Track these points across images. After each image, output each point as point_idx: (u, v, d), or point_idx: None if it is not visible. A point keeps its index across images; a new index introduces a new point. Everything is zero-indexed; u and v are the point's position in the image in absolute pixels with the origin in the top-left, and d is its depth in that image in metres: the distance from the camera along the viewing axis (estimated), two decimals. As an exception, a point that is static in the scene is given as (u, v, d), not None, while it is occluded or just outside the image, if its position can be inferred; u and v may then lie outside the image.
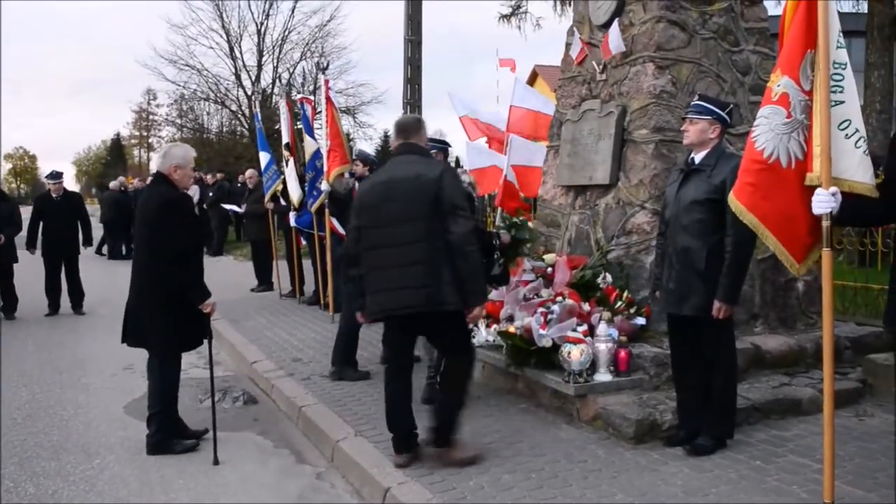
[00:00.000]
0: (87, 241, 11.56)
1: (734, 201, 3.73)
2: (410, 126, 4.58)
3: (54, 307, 10.73)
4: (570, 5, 16.18)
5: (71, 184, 64.08)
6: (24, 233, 10.70)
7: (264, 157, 11.63)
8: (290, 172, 10.47)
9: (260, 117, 13.45)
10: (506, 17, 18.52)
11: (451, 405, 4.50)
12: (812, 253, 3.67)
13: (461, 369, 4.53)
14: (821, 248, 3.55)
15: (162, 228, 4.84)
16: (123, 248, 18.34)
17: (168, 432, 5.09)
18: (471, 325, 4.82)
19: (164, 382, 5.09)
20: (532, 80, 40.44)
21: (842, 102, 3.46)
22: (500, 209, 8.36)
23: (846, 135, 3.46)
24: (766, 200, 3.63)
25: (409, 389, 4.57)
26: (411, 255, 4.15)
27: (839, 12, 3.67)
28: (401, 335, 4.53)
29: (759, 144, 3.60)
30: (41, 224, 10.75)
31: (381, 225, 4.26)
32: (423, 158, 4.44)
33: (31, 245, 10.80)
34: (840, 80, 3.46)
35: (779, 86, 3.56)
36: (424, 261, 4.13)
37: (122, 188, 20.43)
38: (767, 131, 3.59)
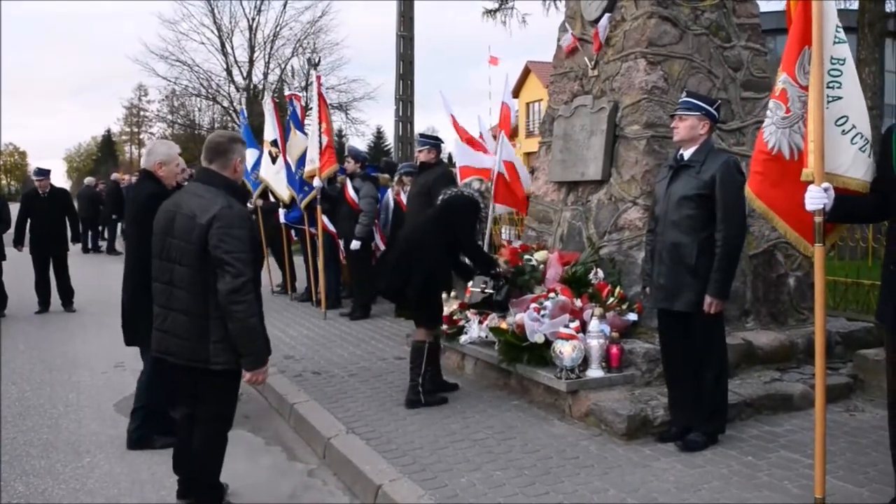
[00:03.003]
0: (76, 238, 11.49)
1: (747, 189, 3.85)
2: (216, 148, 3.93)
3: (44, 304, 10.67)
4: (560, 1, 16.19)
5: (62, 180, 63.89)
6: (12, 230, 10.64)
7: (252, 154, 11.57)
8: (280, 169, 10.45)
9: (247, 114, 13.35)
10: (491, 13, 18.46)
11: (202, 473, 3.97)
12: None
13: (210, 441, 3.94)
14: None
15: (147, 224, 4.80)
16: (90, 242, 19.61)
17: (150, 428, 5.08)
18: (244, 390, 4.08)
19: (148, 377, 5.08)
20: (525, 77, 40.57)
21: (839, 98, 3.48)
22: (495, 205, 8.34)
23: (843, 131, 3.48)
24: (775, 188, 3.73)
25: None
26: (180, 301, 3.78)
27: (832, 8, 3.68)
28: (180, 379, 4.07)
29: (765, 136, 3.72)
30: (29, 221, 10.70)
31: (162, 258, 3.87)
32: (210, 192, 3.79)
33: (18, 242, 10.73)
34: (838, 76, 3.48)
35: (780, 81, 3.66)
36: (189, 311, 3.75)
37: (96, 185, 21.44)
38: (771, 125, 3.70)
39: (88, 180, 21.81)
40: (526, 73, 40.66)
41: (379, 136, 53.42)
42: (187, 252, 3.73)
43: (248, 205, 11.81)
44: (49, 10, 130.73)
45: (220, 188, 3.84)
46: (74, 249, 12.01)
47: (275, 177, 10.55)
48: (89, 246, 19.65)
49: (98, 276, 13.79)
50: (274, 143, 10.66)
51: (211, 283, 3.66)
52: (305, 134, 9.73)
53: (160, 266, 3.91)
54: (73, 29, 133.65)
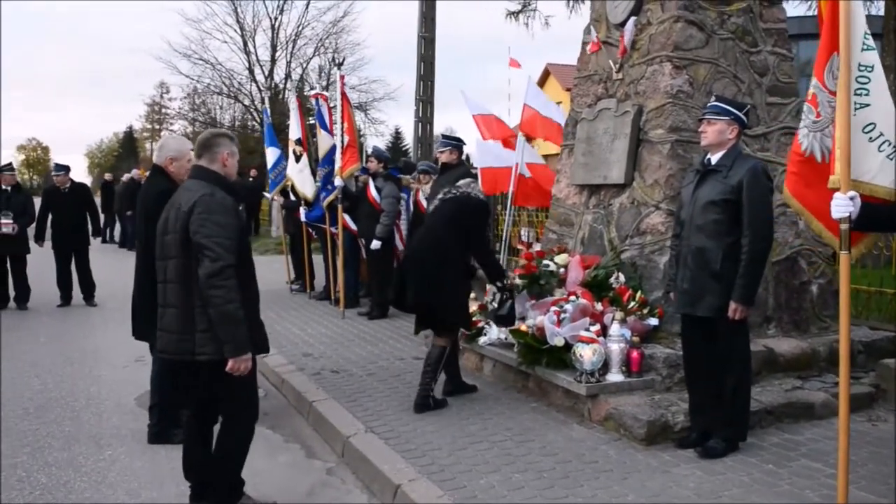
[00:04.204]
0: (97, 232, 11.59)
1: (784, 188, 3.89)
2: (203, 144, 3.94)
3: (66, 298, 10.78)
4: (584, 2, 16.11)
5: (83, 176, 64.46)
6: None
7: (274, 153, 11.67)
8: (304, 167, 10.50)
9: (269, 113, 13.42)
10: (513, 14, 18.34)
11: (221, 472, 3.99)
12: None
13: (232, 437, 3.96)
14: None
15: (156, 222, 4.80)
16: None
17: (167, 423, 5.13)
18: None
19: (157, 374, 5.14)
20: (544, 79, 40.40)
21: (867, 105, 3.46)
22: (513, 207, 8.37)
23: (870, 138, 3.47)
24: (808, 188, 3.76)
25: (207, 443, 4.05)
26: (171, 296, 3.79)
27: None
28: (188, 381, 4.04)
29: (799, 139, 3.75)
30: (50, 216, 10.80)
31: (160, 257, 3.88)
32: (199, 185, 3.80)
33: (39, 237, 10.83)
34: (866, 83, 3.46)
35: (812, 86, 3.69)
36: (178, 304, 3.75)
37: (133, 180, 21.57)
38: (804, 128, 3.73)
39: (126, 177, 22.29)
40: (545, 75, 40.50)
41: (397, 136, 53.46)
42: (175, 243, 3.74)
43: (273, 200, 11.90)
44: (62, 7, 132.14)
45: (209, 182, 3.82)
46: (96, 243, 12.12)
47: (298, 175, 10.61)
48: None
49: (119, 270, 13.88)
50: (298, 141, 10.72)
51: (195, 272, 3.63)
52: (332, 134, 9.75)
53: (160, 266, 3.89)
54: (85, 25, 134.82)
